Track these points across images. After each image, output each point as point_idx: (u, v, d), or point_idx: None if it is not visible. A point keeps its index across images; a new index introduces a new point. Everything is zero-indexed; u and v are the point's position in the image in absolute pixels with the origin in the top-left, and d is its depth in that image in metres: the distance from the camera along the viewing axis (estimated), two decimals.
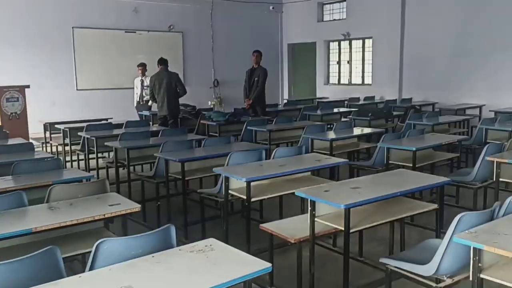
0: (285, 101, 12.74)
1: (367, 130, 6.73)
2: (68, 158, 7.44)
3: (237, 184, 3.93)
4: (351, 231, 3.09)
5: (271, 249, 3.57)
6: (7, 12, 9.86)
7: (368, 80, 12.44)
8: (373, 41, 12.02)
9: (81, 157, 6.94)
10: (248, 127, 6.96)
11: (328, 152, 5.71)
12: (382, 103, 10.80)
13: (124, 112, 9.85)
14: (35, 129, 8.88)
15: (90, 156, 6.49)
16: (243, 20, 13.30)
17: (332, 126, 6.94)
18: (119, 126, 7.00)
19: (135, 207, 2.85)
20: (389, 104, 10.28)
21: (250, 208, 3.97)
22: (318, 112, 9.06)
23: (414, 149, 4.89)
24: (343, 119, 8.81)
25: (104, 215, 2.72)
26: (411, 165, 4.94)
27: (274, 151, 4.54)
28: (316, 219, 3.23)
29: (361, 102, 11.28)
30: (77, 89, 10.86)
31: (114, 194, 3.14)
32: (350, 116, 8.25)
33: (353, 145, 6.37)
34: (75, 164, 7.26)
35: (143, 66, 9.68)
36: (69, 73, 10.76)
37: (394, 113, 8.40)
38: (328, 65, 13.39)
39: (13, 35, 9.92)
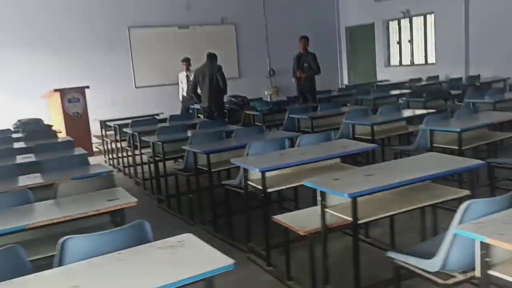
0: (344, 86, 12.33)
1: (419, 112, 6.28)
2: (120, 154, 7.72)
3: (256, 174, 3.76)
4: (361, 221, 2.85)
5: (287, 242, 3.41)
6: (68, 19, 10.37)
7: (431, 59, 11.68)
8: (435, 16, 11.24)
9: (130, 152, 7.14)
10: (290, 115, 6.76)
11: (370, 138, 5.40)
12: (446, 82, 10.10)
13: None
14: (97, 127, 9.26)
15: (136, 151, 6.65)
16: (297, 6, 13.01)
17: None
18: (164, 120, 7.09)
19: (132, 201, 2.81)
20: (452, 83, 9.58)
21: (268, 199, 3.81)
22: (371, 96, 8.62)
23: (458, 130, 4.46)
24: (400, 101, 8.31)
25: (98, 210, 2.71)
26: (457, 147, 4.52)
27: (298, 138, 4.34)
28: (327, 209, 3.02)
29: (423, 82, 10.62)
30: (135, 87, 11.22)
31: (119, 189, 3.13)
32: (404, 98, 7.77)
33: (401, 128, 5.98)
34: (125, 159, 7.48)
35: (187, 61, 9.71)
36: (127, 72, 11.14)
37: (454, 92, 7.76)
38: (388, 46, 12.75)
39: (71, 39, 10.42)
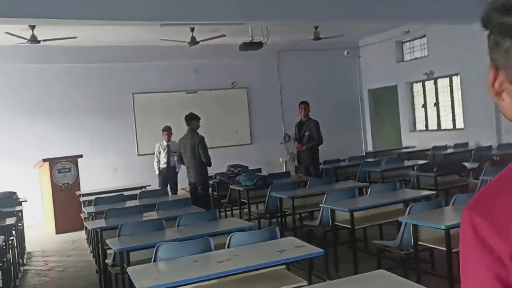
0: (364, 153, 11.35)
1: (409, 194, 5.20)
2: None
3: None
4: None
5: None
6: (70, 84, 10.19)
7: (459, 124, 10.55)
8: (461, 78, 10.23)
9: None
10: (271, 194, 5.88)
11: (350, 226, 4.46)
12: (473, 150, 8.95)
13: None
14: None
15: None
16: (314, 68, 12.39)
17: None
18: (133, 197, 6.37)
19: None
20: (479, 152, 8.43)
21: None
22: (380, 167, 7.62)
23: (443, 227, 3.44)
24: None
25: None
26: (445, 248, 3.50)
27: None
28: None
29: (449, 150, 9.49)
30: (138, 154, 10.73)
31: None
32: (413, 172, 6.73)
33: (393, 214, 4.94)
34: None
35: (168, 131, 8.94)
36: (130, 139, 10.71)
37: (471, 165, 6.65)
38: (413, 109, 11.75)
39: (72, 105, 10.17)
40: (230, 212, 7.31)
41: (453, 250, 3.49)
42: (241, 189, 6.53)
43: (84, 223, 5.94)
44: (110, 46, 10.21)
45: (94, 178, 9.84)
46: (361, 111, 13.03)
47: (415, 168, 6.89)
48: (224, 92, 11.53)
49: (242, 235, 3.35)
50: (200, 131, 11.37)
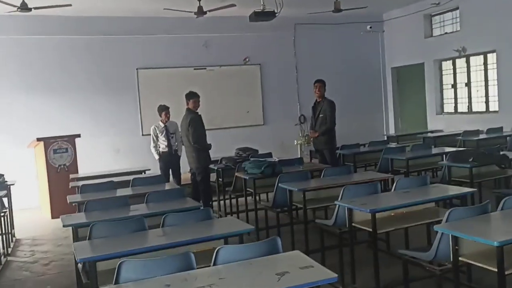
0: (385, 137, 10.46)
1: (442, 192, 4.33)
2: None
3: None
4: None
5: None
6: (72, 59, 9.47)
7: (493, 106, 9.57)
8: (497, 55, 9.23)
9: None
10: (280, 185, 5.11)
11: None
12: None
13: None
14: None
15: None
16: (334, 44, 11.47)
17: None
18: (127, 184, 5.65)
19: None
20: None
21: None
22: (404, 155, 6.77)
23: (495, 243, 2.63)
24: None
25: None
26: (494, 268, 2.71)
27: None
28: None
29: (481, 136, 8.57)
30: (142, 135, 10.03)
31: None
32: (443, 162, 5.88)
33: (426, 214, 4.13)
34: None
35: (167, 110, 7.87)
36: (133, 118, 10.02)
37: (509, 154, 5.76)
38: (441, 90, 10.77)
39: (73, 82, 9.47)
40: (235, 200, 6.58)
41: (507, 273, 2.71)
42: (247, 177, 5.77)
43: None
44: (112, 16, 9.47)
45: (96, 159, 9.26)
46: (383, 91, 12.09)
47: (445, 157, 6.01)
48: (235, 68, 10.71)
49: (232, 250, 2.59)
50: (208, 110, 10.69)
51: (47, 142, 8.13)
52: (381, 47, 12.00)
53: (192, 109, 6.80)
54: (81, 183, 5.96)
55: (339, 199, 4.19)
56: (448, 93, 10.65)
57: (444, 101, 10.74)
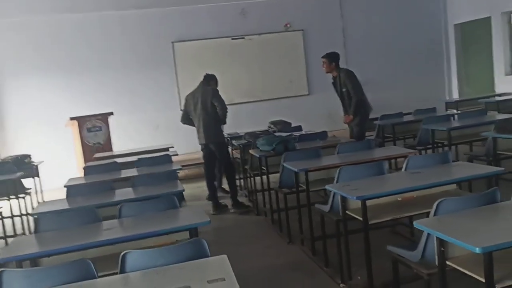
0: (446, 101, 9.41)
1: (465, 171, 3.53)
2: None
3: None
4: None
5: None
6: (103, 36, 9.37)
7: None
8: None
9: None
10: (285, 164, 4.56)
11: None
12: None
13: (239, 129, 8.11)
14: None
15: None
16: (386, 3, 10.40)
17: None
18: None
19: None
20: None
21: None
22: (448, 125, 5.86)
23: (476, 250, 1.96)
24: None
25: None
26: None
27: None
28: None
29: None
30: (181, 109, 9.76)
31: None
32: (486, 134, 4.96)
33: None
34: None
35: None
36: (171, 93, 9.79)
37: None
38: (511, 47, 9.39)
39: (107, 58, 9.38)
40: (253, 179, 6.11)
41: (499, 287, 2.04)
42: (257, 155, 5.28)
43: None
44: None
45: (134, 136, 9.21)
46: (445, 52, 10.84)
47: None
48: (275, 36, 10.06)
49: (141, 256, 2.16)
50: (249, 82, 10.24)
51: (81, 120, 8.14)
52: (442, 1, 10.71)
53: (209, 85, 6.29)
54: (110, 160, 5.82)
55: (335, 181, 3.60)
56: None
57: None
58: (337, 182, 3.58)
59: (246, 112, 9.84)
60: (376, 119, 7.28)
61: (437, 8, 10.75)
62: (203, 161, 6.34)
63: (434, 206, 2.45)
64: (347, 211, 3.36)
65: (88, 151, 8.23)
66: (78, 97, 9.11)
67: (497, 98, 8.55)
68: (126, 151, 7.20)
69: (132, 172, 5.06)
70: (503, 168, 3.25)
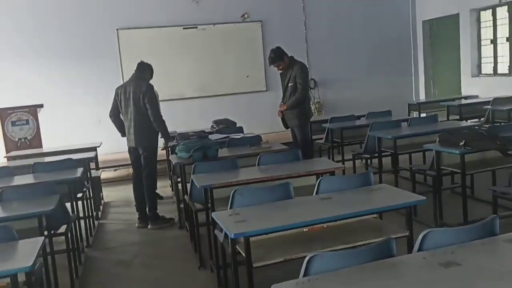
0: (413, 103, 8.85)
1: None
2: None
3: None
4: None
5: None
6: (35, 19, 8.57)
7: None
8: None
9: None
10: (192, 176, 3.90)
11: None
12: None
13: (189, 126, 7.42)
14: None
15: None
16: None
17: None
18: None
19: None
20: None
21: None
22: (394, 132, 5.25)
23: None
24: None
25: None
26: None
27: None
28: None
29: None
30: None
31: None
32: (429, 146, 4.36)
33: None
34: None
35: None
36: (115, 85, 8.94)
37: None
38: (479, 47, 8.84)
39: (43, 46, 8.59)
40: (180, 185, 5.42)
41: None
42: (174, 162, 4.62)
43: None
44: None
45: (73, 132, 8.48)
46: (413, 50, 10.27)
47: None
48: (232, 26, 9.36)
49: None
50: (200, 76, 9.53)
51: (4, 113, 7.38)
52: None
53: (143, 78, 5.53)
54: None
55: (228, 206, 2.95)
56: (487, 51, 8.71)
57: (482, 60, 8.82)
58: (230, 207, 2.94)
59: (198, 108, 9.19)
60: (326, 121, 6.69)
61: (405, 2, 10.15)
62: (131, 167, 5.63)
63: (304, 263, 1.81)
64: (236, 245, 2.72)
65: (12, 146, 7.47)
66: (3, 87, 8.30)
67: (463, 101, 8.05)
68: (55, 149, 6.52)
69: (23, 180, 4.37)
70: (424, 198, 2.63)
